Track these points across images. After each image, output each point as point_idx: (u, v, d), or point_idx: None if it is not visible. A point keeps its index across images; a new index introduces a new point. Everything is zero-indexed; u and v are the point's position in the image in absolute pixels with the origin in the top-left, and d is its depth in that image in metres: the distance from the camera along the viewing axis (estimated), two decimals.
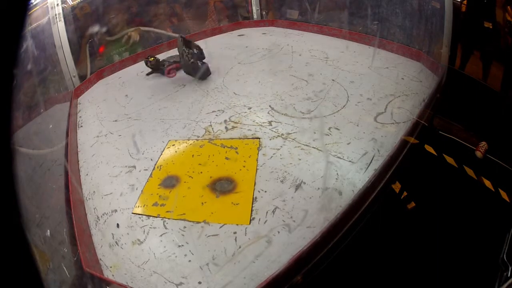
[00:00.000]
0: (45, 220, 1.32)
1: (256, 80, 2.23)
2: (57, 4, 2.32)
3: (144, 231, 1.32)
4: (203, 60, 2.36)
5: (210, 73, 2.35)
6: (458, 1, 2.11)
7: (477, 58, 2.10)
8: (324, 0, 2.89)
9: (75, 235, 1.28)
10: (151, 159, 1.66)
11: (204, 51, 2.46)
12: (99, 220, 1.41)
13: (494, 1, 2.04)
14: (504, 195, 1.68)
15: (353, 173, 1.45)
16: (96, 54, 2.62)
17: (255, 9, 3.18)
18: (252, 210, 1.33)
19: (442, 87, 1.92)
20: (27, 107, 1.73)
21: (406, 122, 1.70)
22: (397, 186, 1.68)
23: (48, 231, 1.28)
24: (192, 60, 2.29)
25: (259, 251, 1.19)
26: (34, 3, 2.25)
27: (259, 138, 1.70)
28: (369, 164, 1.47)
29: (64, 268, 1.21)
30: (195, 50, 2.34)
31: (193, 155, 1.66)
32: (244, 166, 1.55)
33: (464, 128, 1.94)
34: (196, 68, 2.29)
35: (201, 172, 1.55)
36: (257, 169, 1.52)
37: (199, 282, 1.13)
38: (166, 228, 1.32)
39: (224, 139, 1.73)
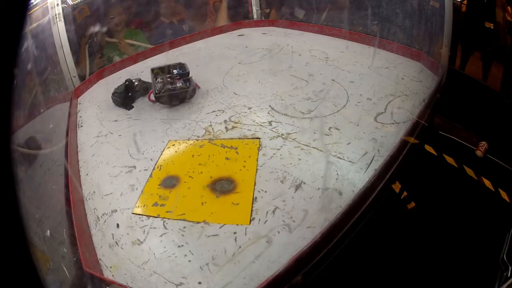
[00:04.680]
0: (45, 220, 1.31)
1: (256, 80, 2.23)
2: (57, 4, 2.32)
3: (144, 231, 1.32)
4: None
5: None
6: (458, 1, 2.11)
7: (477, 58, 2.10)
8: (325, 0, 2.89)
9: (75, 235, 1.28)
10: (151, 159, 1.66)
11: (204, 51, 2.46)
12: (99, 220, 1.41)
13: (494, 1, 2.04)
14: (504, 195, 1.68)
15: (353, 173, 1.45)
16: (96, 54, 2.62)
17: (255, 9, 3.18)
18: (252, 210, 1.33)
19: (442, 87, 1.92)
20: (27, 107, 1.73)
21: (406, 122, 1.70)
22: (397, 186, 1.68)
23: (48, 231, 1.28)
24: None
25: (259, 251, 1.19)
26: (34, 3, 2.24)
27: (259, 138, 1.70)
28: (369, 164, 1.47)
29: (64, 268, 1.21)
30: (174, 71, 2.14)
31: (193, 155, 1.66)
32: (244, 166, 1.55)
33: (464, 128, 1.94)
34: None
35: (201, 172, 1.55)
36: (257, 169, 1.52)
37: (199, 282, 1.13)
38: (166, 228, 1.32)
39: (224, 139, 1.73)
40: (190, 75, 2.16)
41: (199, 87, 2.17)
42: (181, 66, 2.25)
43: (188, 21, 3.03)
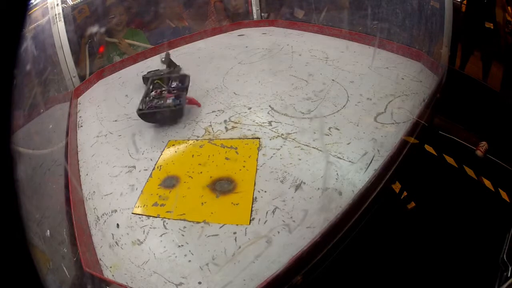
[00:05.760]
0: (45, 220, 1.32)
1: (256, 80, 2.23)
2: (57, 4, 2.32)
3: (144, 231, 1.32)
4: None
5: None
6: (458, 1, 2.11)
7: (477, 58, 2.10)
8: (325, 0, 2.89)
9: (75, 235, 1.28)
10: (151, 159, 1.66)
11: (204, 51, 2.44)
12: (99, 220, 1.41)
13: (494, 1, 2.04)
14: (504, 195, 1.68)
15: (353, 173, 1.45)
16: (96, 54, 2.62)
17: (255, 9, 3.18)
18: (252, 210, 1.33)
19: (442, 87, 1.92)
20: (27, 107, 1.73)
21: (406, 122, 1.70)
22: (397, 186, 1.68)
23: (48, 231, 1.28)
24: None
25: (259, 251, 1.19)
26: (34, 3, 2.24)
27: (259, 138, 1.70)
28: (369, 164, 1.47)
29: (64, 268, 1.21)
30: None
31: (193, 155, 1.66)
32: (244, 166, 1.55)
33: (464, 128, 1.94)
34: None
35: (201, 172, 1.55)
36: (257, 169, 1.52)
37: (199, 282, 1.13)
38: (166, 228, 1.32)
39: (224, 139, 1.73)
40: (187, 90, 1.99)
41: (199, 105, 2.00)
42: (182, 78, 2.08)
43: (189, 21, 3.03)
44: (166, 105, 1.86)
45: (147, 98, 1.93)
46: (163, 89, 1.98)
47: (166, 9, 2.97)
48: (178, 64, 2.26)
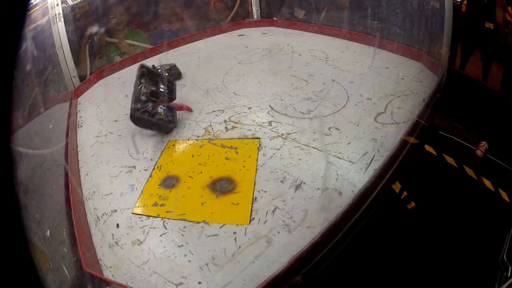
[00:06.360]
0: (45, 220, 1.31)
1: (256, 80, 2.23)
2: (57, 4, 2.32)
3: (144, 231, 1.32)
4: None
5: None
6: (458, 1, 2.11)
7: (477, 58, 2.10)
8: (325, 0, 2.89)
9: (75, 235, 1.28)
10: (151, 159, 1.66)
11: (204, 51, 2.44)
12: (99, 220, 1.41)
13: (494, 1, 2.04)
14: (504, 195, 1.68)
15: (353, 173, 1.45)
16: (96, 54, 2.62)
17: (255, 9, 3.18)
18: (252, 210, 1.33)
19: (442, 87, 1.92)
20: (27, 107, 1.73)
21: (406, 122, 1.70)
22: (397, 186, 1.68)
23: (48, 231, 1.28)
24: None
25: (259, 251, 1.19)
26: (34, 3, 2.24)
27: (259, 138, 1.70)
28: (369, 164, 1.47)
29: (64, 268, 1.21)
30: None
31: (193, 155, 1.66)
32: (244, 166, 1.55)
33: (464, 128, 1.95)
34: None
35: (201, 172, 1.55)
36: (257, 169, 1.52)
37: (199, 282, 1.13)
38: (166, 228, 1.32)
39: (224, 139, 1.73)
40: (174, 101, 1.92)
41: (191, 110, 1.95)
42: (170, 85, 2.01)
43: (188, 21, 3.03)
44: (159, 117, 1.79)
45: (142, 98, 1.81)
46: (153, 88, 1.90)
47: (166, 9, 2.97)
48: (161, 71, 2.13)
